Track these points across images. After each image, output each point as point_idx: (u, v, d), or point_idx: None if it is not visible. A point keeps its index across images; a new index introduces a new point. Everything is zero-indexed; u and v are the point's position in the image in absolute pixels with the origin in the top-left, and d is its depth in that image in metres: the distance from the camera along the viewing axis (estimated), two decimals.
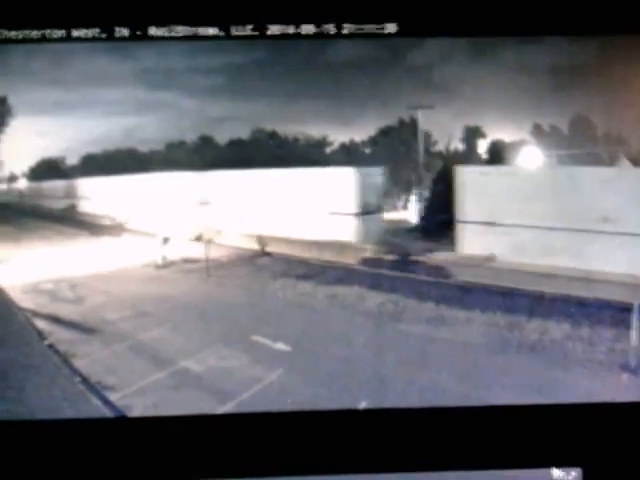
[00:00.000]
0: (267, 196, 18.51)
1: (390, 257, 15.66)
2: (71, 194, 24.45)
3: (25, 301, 13.89)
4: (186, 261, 17.19)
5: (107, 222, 22.11)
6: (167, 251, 17.32)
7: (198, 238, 18.12)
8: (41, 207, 25.49)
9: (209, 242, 16.90)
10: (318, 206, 17.43)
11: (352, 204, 16.84)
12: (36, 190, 25.03)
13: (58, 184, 24.07)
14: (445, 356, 10.22)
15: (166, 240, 17.40)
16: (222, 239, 18.14)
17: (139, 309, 13.40)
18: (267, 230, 18.07)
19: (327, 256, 16.54)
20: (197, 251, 17.06)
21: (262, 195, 18.63)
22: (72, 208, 24.48)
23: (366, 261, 15.83)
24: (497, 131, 17.71)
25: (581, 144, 16.36)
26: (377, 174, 17.57)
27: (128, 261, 17.43)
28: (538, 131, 17.06)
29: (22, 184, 23.80)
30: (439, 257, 15.06)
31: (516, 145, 16.73)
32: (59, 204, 24.99)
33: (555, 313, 11.67)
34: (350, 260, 16.00)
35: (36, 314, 13.07)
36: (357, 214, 16.82)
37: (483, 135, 18.58)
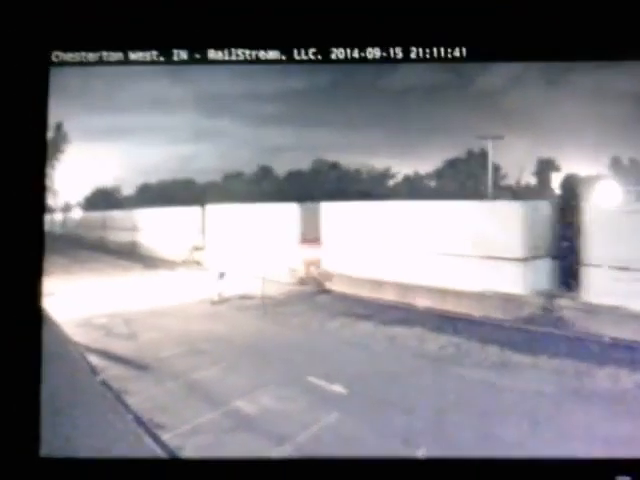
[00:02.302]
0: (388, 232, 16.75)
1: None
2: (126, 225, 24.65)
3: (79, 335, 13.67)
4: (242, 297, 16.97)
5: (162, 255, 22.31)
6: (223, 287, 17.08)
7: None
8: (95, 238, 25.80)
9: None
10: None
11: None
12: (90, 220, 25.32)
13: (112, 214, 24.33)
14: (508, 404, 9.65)
15: (222, 275, 17.26)
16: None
17: (193, 346, 13.10)
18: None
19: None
20: (253, 287, 16.89)
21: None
22: (127, 240, 24.73)
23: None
24: (572, 164, 16.93)
25: None
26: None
27: (183, 296, 17.28)
28: (617, 165, 16.28)
29: (76, 214, 24.11)
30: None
31: (592, 179, 15.93)
32: (113, 235, 25.21)
33: (628, 360, 11.03)
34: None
35: (89, 349, 12.84)
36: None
37: (557, 168, 17.81)
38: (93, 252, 24.01)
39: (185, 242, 20.91)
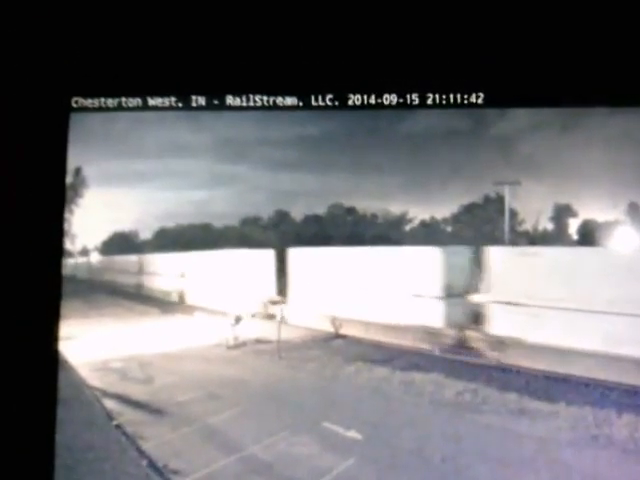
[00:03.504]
0: (344, 275, 18.16)
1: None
2: (143, 270, 24.60)
3: (94, 379, 13.56)
4: (258, 341, 16.87)
5: (178, 299, 22.18)
6: (239, 331, 16.98)
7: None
8: (112, 282, 25.71)
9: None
10: (399, 287, 16.95)
11: (437, 286, 16.42)
12: (107, 265, 25.27)
13: (130, 259, 24.26)
14: (526, 452, 9.60)
15: (238, 320, 17.19)
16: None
17: (209, 391, 13.02)
18: (343, 311, 17.65)
19: (408, 341, 15.91)
20: (269, 331, 16.83)
21: (339, 274, 18.28)
22: (143, 284, 24.65)
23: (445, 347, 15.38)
24: (589, 210, 16.89)
25: None
26: (464, 253, 17.15)
27: (199, 340, 17.08)
28: (634, 210, 16.18)
29: (94, 258, 24.15)
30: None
31: (610, 225, 15.90)
32: (130, 280, 25.13)
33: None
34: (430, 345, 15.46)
35: (105, 393, 12.79)
36: (442, 297, 16.32)
37: (574, 214, 17.75)
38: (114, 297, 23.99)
39: (252, 292, 20.15)
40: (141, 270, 24.80)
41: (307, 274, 19.13)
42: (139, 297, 23.61)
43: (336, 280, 18.33)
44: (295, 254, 19.34)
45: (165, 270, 23.51)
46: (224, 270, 20.70)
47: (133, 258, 24.33)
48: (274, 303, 19.75)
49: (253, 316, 18.01)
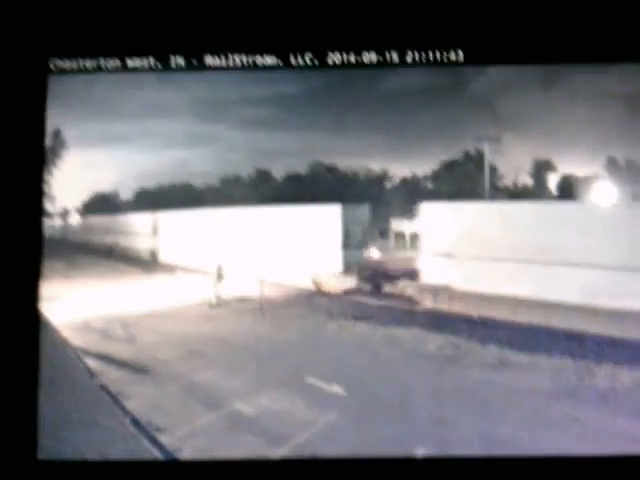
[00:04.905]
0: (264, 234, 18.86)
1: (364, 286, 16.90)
2: (124, 229, 24.47)
3: (76, 339, 13.58)
4: (241, 300, 16.92)
5: (161, 259, 22.09)
6: (222, 290, 17.06)
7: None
8: (93, 243, 25.59)
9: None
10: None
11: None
12: (88, 225, 25.13)
13: (111, 219, 24.12)
14: (507, 403, 9.70)
15: (220, 278, 17.21)
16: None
17: (192, 349, 13.07)
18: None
19: None
20: (252, 290, 16.85)
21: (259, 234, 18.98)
22: (124, 244, 24.51)
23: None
24: (569, 165, 16.96)
25: None
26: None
27: (182, 299, 17.16)
28: (613, 165, 16.24)
29: (74, 219, 23.95)
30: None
31: (589, 180, 15.98)
32: (111, 240, 25.04)
33: (628, 359, 10.96)
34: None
35: (87, 353, 12.81)
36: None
37: (553, 169, 17.81)
38: (96, 257, 23.82)
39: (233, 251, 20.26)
40: (120, 230, 24.66)
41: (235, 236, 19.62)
42: (119, 257, 23.49)
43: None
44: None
45: (144, 229, 23.44)
46: (204, 229, 20.66)
47: (113, 218, 24.17)
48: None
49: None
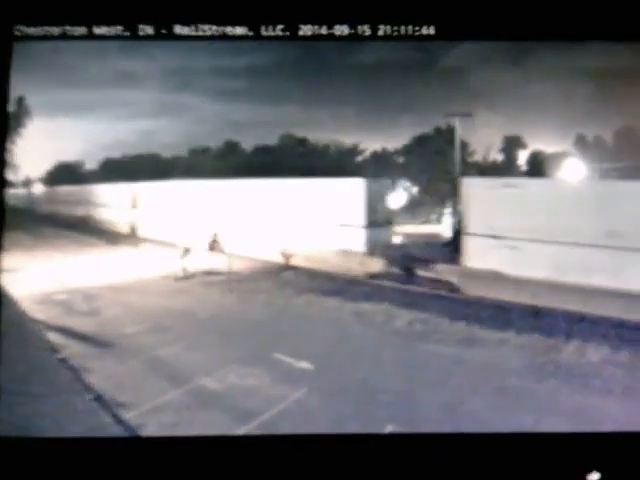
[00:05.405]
0: (278, 207, 18.53)
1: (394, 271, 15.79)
2: (88, 200, 23.97)
3: (38, 312, 13.41)
4: (208, 273, 16.79)
5: (125, 230, 21.80)
6: (188, 263, 16.89)
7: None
8: (57, 213, 25.12)
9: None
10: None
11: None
12: (52, 195, 24.63)
13: (75, 189, 23.61)
14: (475, 379, 9.69)
15: (187, 251, 17.04)
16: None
17: (157, 323, 12.91)
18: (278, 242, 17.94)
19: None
20: (219, 263, 16.71)
21: (273, 206, 18.61)
22: (89, 215, 24.05)
23: (373, 276, 15.88)
24: (538, 141, 17.06)
25: (627, 157, 15.64)
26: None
27: (147, 272, 17.03)
28: (582, 142, 16.38)
29: (37, 189, 23.51)
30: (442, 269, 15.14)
31: (558, 156, 16.07)
32: (76, 211, 24.55)
33: (594, 335, 11.22)
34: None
35: (48, 326, 12.56)
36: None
37: (523, 145, 17.94)
38: (59, 228, 23.38)
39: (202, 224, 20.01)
40: (87, 201, 24.16)
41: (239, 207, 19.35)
42: (84, 229, 23.10)
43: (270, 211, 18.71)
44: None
45: (113, 201, 22.98)
46: (173, 201, 20.38)
47: (84, 189, 23.61)
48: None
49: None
